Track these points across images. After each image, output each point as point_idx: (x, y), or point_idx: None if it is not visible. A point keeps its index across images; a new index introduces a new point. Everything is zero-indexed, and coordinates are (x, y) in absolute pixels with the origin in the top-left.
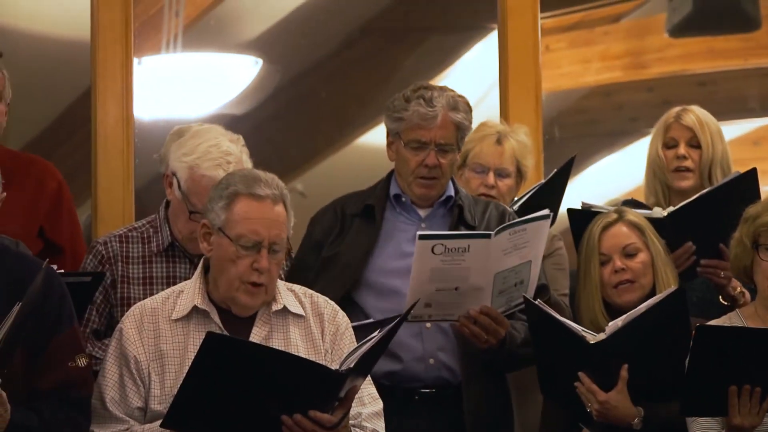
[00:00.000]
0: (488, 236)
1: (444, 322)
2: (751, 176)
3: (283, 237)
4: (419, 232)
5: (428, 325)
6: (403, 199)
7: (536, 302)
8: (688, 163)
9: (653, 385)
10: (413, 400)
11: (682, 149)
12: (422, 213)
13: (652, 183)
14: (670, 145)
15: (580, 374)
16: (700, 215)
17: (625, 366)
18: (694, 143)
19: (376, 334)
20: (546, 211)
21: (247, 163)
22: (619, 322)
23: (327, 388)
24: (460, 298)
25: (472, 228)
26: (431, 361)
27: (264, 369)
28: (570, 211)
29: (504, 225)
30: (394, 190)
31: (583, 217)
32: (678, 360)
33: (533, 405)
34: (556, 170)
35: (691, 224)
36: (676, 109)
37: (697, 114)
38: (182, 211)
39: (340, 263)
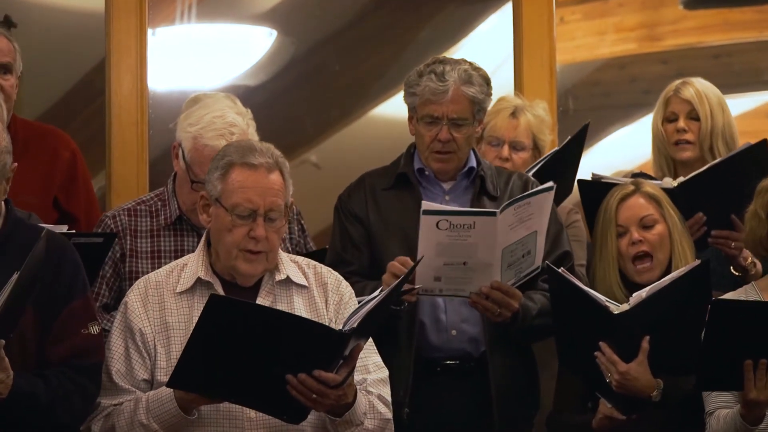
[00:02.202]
0: (494, 214)
1: (456, 298)
2: (762, 147)
3: (280, 204)
4: (423, 208)
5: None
6: (427, 172)
7: (559, 270)
8: (688, 136)
9: (673, 358)
10: (435, 372)
11: (681, 122)
12: (446, 186)
13: (657, 158)
14: (670, 119)
15: (601, 344)
16: (711, 186)
17: (647, 337)
18: (694, 116)
19: (379, 294)
20: (550, 183)
21: (254, 136)
22: (643, 293)
23: (331, 347)
24: (469, 273)
25: (494, 198)
26: (453, 332)
27: (267, 330)
28: (580, 182)
29: (509, 201)
30: (417, 164)
31: (593, 188)
32: (699, 333)
33: (551, 377)
34: (569, 138)
35: (702, 195)
36: (676, 82)
37: (696, 86)
38: (186, 182)
39: (399, 232)
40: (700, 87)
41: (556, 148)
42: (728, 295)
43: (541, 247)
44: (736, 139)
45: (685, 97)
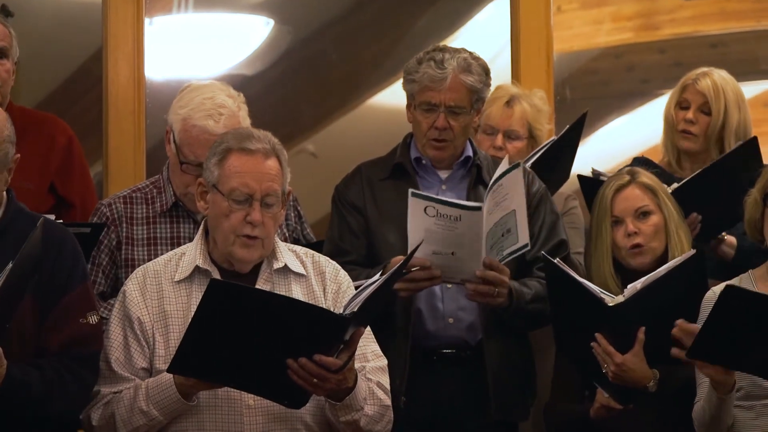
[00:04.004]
0: (479, 209)
1: (452, 286)
2: (752, 145)
3: (276, 190)
4: (411, 189)
5: (449, 284)
6: (424, 161)
7: (555, 261)
8: (694, 129)
9: (669, 348)
10: (432, 360)
11: (690, 113)
12: (443, 175)
13: (665, 140)
14: (683, 105)
15: (597, 336)
16: (705, 189)
17: (642, 329)
18: (705, 110)
19: (379, 278)
20: (516, 161)
21: (245, 120)
22: (638, 284)
23: (331, 332)
24: (457, 263)
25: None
26: (450, 320)
27: (267, 314)
28: (581, 178)
29: (487, 191)
30: (414, 153)
31: (592, 184)
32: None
33: (549, 366)
34: (568, 126)
35: (697, 198)
36: (698, 70)
37: (714, 80)
38: (178, 165)
39: (396, 222)
40: (719, 81)
41: (553, 138)
42: (733, 283)
43: (524, 225)
44: (749, 136)
45: (701, 89)
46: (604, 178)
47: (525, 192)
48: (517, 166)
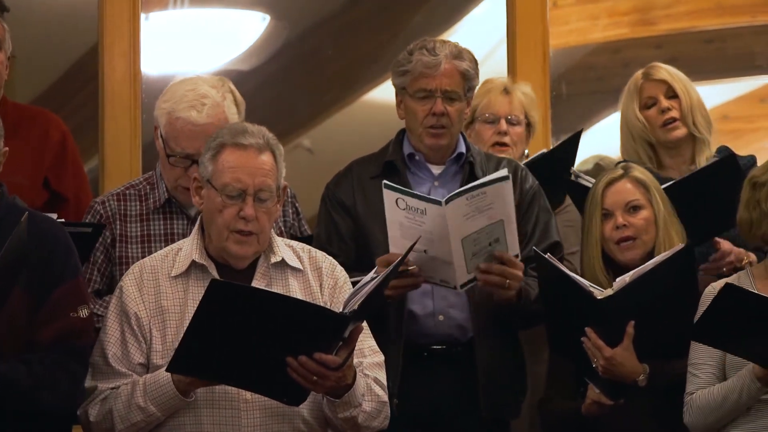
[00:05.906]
0: (439, 203)
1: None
2: (731, 161)
3: (270, 185)
4: (384, 181)
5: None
6: (417, 157)
7: (546, 256)
8: (675, 113)
9: (659, 342)
10: (422, 357)
11: (664, 102)
12: (435, 171)
13: (632, 147)
14: (648, 104)
15: (587, 329)
16: (685, 198)
17: (632, 322)
18: (671, 94)
19: (378, 277)
20: (504, 172)
21: (231, 108)
22: (627, 278)
23: (331, 330)
24: (432, 263)
25: None
26: (441, 317)
27: (267, 313)
28: (566, 182)
29: (458, 191)
30: (407, 149)
31: (574, 187)
32: (684, 317)
33: (542, 362)
34: (560, 142)
35: (679, 204)
36: (640, 70)
37: (664, 67)
38: (166, 160)
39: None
40: (668, 67)
41: (543, 151)
42: (723, 281)
43: (514, 235)
44: (708, 113)
45: (660, 78)
46: (582, 181)
47: (519, 191)
48: (506, 178)
